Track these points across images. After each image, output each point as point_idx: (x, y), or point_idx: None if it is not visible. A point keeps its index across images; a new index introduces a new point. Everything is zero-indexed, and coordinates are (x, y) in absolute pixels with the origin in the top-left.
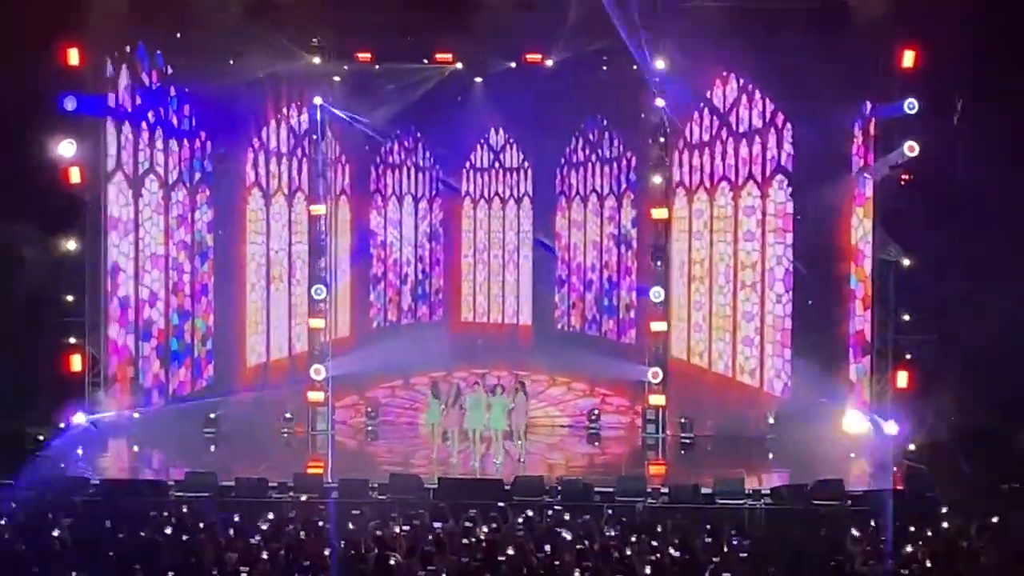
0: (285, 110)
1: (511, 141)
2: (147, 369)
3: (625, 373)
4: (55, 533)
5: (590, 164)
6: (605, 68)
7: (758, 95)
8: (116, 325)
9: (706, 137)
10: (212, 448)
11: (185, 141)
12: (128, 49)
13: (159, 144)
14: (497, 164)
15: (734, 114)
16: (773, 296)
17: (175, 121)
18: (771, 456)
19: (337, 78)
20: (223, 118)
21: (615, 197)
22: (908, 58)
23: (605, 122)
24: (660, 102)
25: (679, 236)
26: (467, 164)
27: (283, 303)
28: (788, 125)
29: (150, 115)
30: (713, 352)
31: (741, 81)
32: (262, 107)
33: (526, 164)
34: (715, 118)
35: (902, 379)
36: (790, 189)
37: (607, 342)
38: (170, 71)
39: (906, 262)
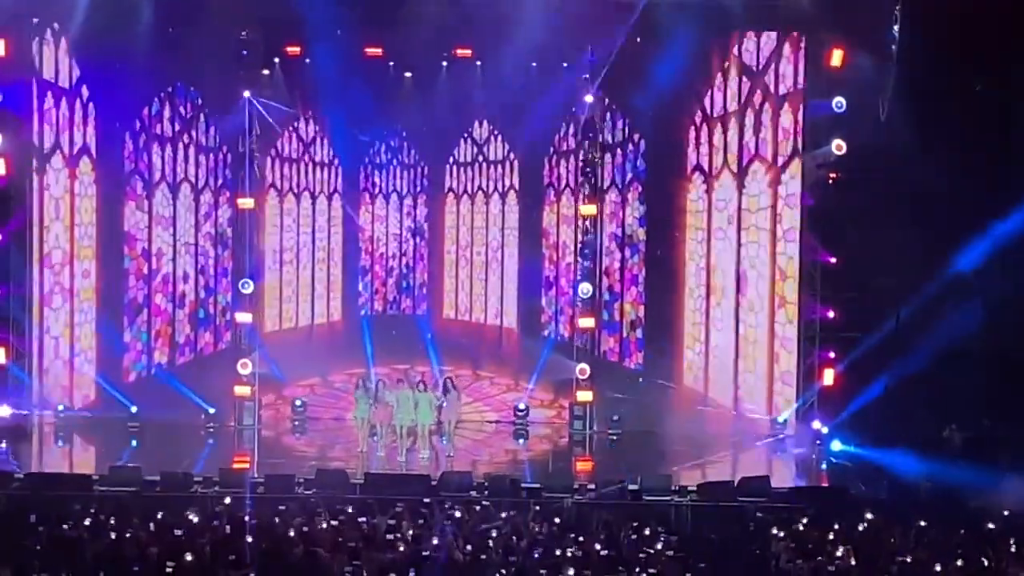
0: (295, 123)
1: (495, 133)
2: (181, 330)
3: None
4: None
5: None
6: (535, 64)
7: (804, 42)
8: (160, 295)
9: (732, 105)
10: (134, 443)
11: (211, 155)
12: (170, 89)
13: (191, 159)
14: (481, 158)
15: (771, 72)
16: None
17: (204, 140)
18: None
19: (266, 72)
20: (241, 134)
21: (618, 190)
22: (836, 57)
23: (606, 101)
24: (589, 98)
25: (694, 234)
26: (450, 159)
27: (291, 283)
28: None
29: (185, 136)
30: (741, 389)
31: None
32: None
33: (511, 156)
34: (744, 79)
35: (828, 377)
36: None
37: (604, 364)
38: (200, 101)
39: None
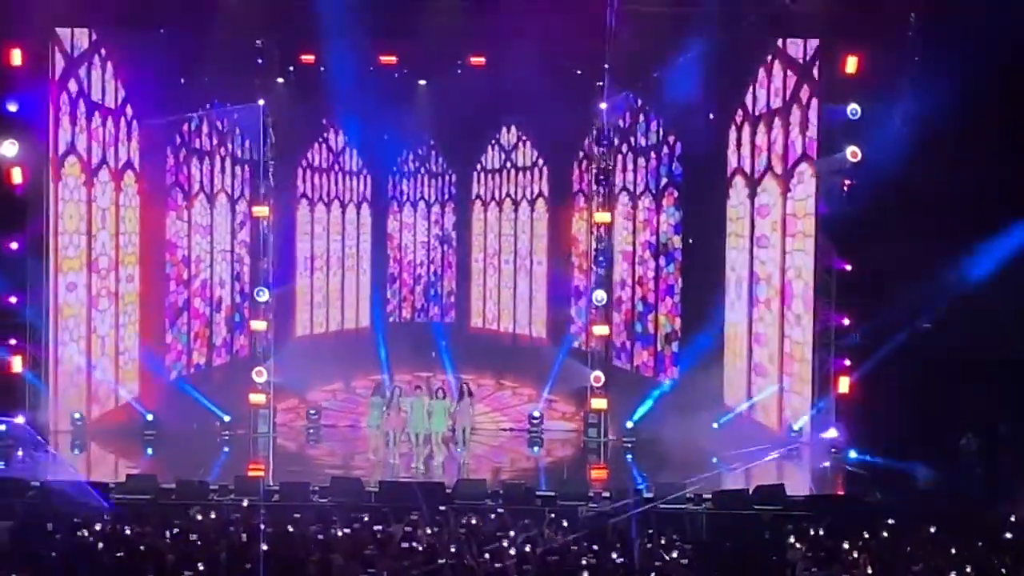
0: (324, 134)
1: (523, 139)
2: (218, 333)
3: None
4: None
5: (619, 155)
6: (551, 71)
7: (819, 47)
8: (198, 299)
9: (776, 103)
10: (149, 451)
11: (246, 166)
12: (208, 106)
13: (227, 170)
14: (509, 164)
15: (818, 66)
16: None
17: (239, 152)
18: (715, 460)
19: (280, 79)
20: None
21: (652, 195)
22: (851, 64)
23: (639, 102)
24: (603, 105)
25: (736, 242)
26: (478, 166)
27: (321, 289)
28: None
29: (221, 150)
30: (786, 409)
31: None
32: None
33: (540, 161)
34: (790, 73)
35: (843, 384)
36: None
37: (635, 377)
38: (236, 116)
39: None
